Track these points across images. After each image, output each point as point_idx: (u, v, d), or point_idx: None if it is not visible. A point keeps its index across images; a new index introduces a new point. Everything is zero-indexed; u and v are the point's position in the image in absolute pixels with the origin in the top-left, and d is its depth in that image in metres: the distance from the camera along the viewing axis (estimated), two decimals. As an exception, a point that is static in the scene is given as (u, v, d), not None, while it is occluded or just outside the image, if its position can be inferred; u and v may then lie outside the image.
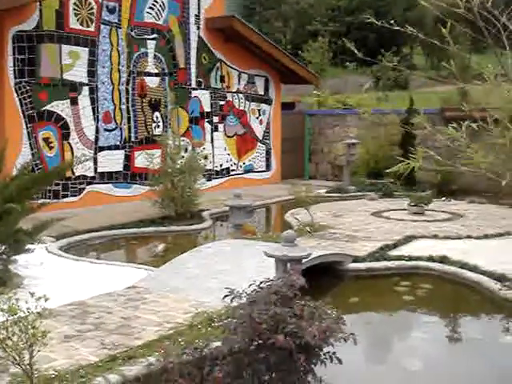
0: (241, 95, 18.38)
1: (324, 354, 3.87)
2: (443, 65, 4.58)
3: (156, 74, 15.72)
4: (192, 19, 16.62)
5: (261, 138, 19.18)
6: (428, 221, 12.51)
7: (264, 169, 19.35)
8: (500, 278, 8.28)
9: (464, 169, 3.64)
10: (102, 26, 14.29)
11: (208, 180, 16.64)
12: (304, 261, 7.04)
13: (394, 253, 9.70)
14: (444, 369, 6.13)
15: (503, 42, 3.74)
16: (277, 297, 3.82)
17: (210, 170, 17.10)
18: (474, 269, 8.68)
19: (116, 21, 14.58)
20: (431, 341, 7.05)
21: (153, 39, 15.57)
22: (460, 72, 4.07)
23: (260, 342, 3.68)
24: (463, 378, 5.90)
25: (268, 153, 19.45)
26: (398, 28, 3.83)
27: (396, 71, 27.66)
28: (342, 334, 3.89)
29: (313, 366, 3.94)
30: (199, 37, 16.86)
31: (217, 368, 3.69)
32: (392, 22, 4.26)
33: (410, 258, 9.30)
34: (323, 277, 8.48)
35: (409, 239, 10.66)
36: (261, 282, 4.09)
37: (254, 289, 4.03)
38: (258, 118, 19.02)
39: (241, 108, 18.39)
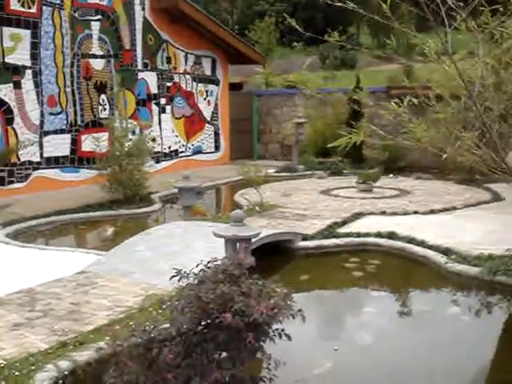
0: (188, 76, 18.27)
1: (273, 331, 3.90)
2: (387, 42, 4.62)
3: (101, 56, 15.47)
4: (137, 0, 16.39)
5: (209, 119, 19.12)
6: (376, 198, 12.69)
7: (213, 150, 19.31)
8: (446, 251, 8.49)
9: (406, 143, 3.70)
10: (44, 8, 13.96)
11: (157, 162, 16.56)
12: (253, 240, 7.07)
13: (343, 230, 9.82)
14: (394, 341, 6.26)
15: (443, 18, 3.78)
16: (224, 276, 3.83)
17: (159, 152, 16.99)
18: (420, 243, 8.88)
19: (58, 2, 14.26)
20: (381, 315, 7.17)
21: (97, 20, 15.30)
22: (406, 50, 4.11)
23: (208, 321, 3.70)
24: (412, 349, 6.02)
25: (216, 134, 19.41)
26: (340, 4, 3.83)
27: (343, 50, 27.83)
28: (290, 311, 3.92)
29: (262, 343, 3.97)
30: (144, 17, 16.63)
31: (166, 349, 3.69)
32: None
33: (359, 235, 9.44)
34: (273, 256, 8.53)
35: (357, 216, 10.80)
36: (208, 262, 4.10)
37: (201, 269, 4.04)
38: (205, 99, 18.95)
39: (188, 89, 18.28)
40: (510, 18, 4.23)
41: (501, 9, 4.43)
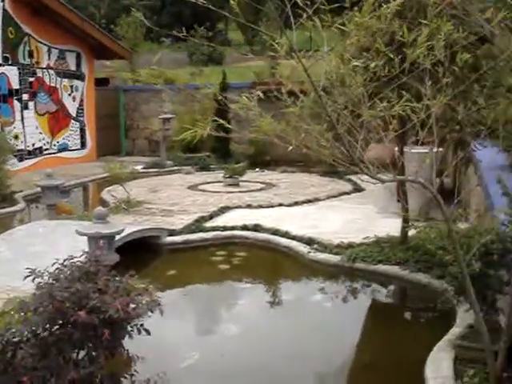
0: (51, 71, 17.72)
1: (131, 327, 3.90)
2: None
3: (-43, 51, 14.75)
4: (-6, -9, 15.72)
5: (74, 116, 18.65)
6: (242, 191, 12.89)
7: (79, 147, 18.85)
8: (309, 241, 8.78)
9: (252, 136, 3.83)
10: None
11: (20, 161, 15.97)
12: (118, 237, 7.03)
13: (210, 224, 9.93)
14: (261, 331, 6.42)
15: (300, 15, 3.91)
16: (80, 273, 3.79)
17: (22, 150, 16.38)
18: (285, 234, 9.14)
19: None
20: (247, 306, 7.34)
21: (-49, 13, 14.56)
22: (272, 47, 4.22)
23: (64, 320, 3.65)
24: (278, 338, 6.19)
25: (82, 130, 18.97)
26: (196, 2, 3.86)
27: (210, 46, 27.91)
28: (149, 306, 3.94)
29: (122, 339, 3.97)
30: (4, 9, 15.96)
31: (21, 351, 3.61)
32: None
33: (225, 228, 9.58)
34: (141, 252, 8.48)
35: (224, 210, 10.94)
36: (65, 260, 4.04)
37: (57, 267, 3.98)
38: (70, 94, 18.47)
39: (52, 84, 17.74)
40: (355, 16, 4.42)
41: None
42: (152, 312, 3.92)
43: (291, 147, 3.66)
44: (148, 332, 3.95)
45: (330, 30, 4.24)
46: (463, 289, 4.49)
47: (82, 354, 3.83)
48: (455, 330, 5.55)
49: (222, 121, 3.81)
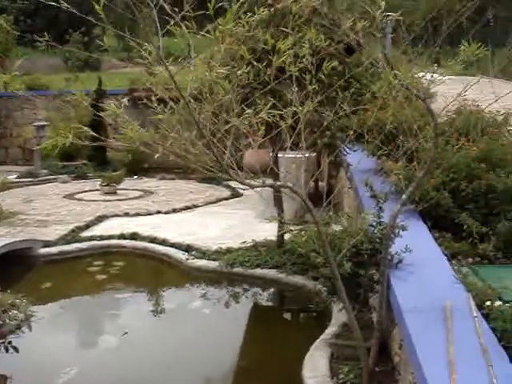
0: None
1: (-3, 345, 3.74)
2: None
3: None
4: None
5: None
6: (120, 200, 12.67)
7: None
8: (187, 248, 8.78)
9: (118, 143, 3.79)
10: None
11: None
12: (-13, 251, 6.76)
13: (86, 234, 9.74)
14: (140, 341, 6.36)
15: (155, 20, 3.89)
16: None
17: None
18: (163, 242, 9.10)
19: None
20: (125, 317, 7.25)
21: None
22: (140, 54, 4.17)
23: None
24: (158, 347, 6.15)
25: None
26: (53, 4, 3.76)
27: (86, 51, 27.37)
28: (17, 322, 3.79)
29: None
30: None
31: None
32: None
33: (102, 238, 9.44)
34: (15, 265, 8.19)
35: (101, 219, 10.74)
36: None
37: None
38: None
39: None
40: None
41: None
42: (20, 328, 3.78)
43: (157, 155, 3.64)
44: (16, 349, 3.80)
45: (203, 38, 4.25)
46: (336, 289, 4.61)
47: None
48: (330, 330, 5.70)
49: (86, 128, 3.72)
